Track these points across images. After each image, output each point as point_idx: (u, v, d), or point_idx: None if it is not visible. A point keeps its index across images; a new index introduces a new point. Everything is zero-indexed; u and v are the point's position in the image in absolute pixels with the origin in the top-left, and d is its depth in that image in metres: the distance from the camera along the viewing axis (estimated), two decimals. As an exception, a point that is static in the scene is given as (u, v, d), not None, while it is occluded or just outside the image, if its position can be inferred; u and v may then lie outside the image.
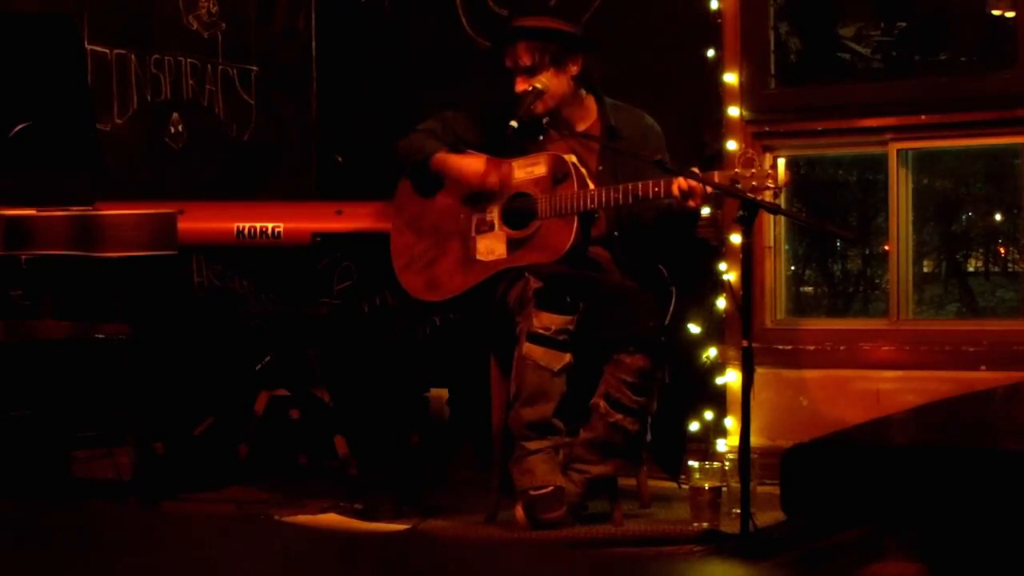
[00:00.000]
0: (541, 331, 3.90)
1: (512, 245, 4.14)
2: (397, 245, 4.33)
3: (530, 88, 4.09)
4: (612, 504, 4.03)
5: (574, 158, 4.11)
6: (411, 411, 4.98)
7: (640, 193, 3.91)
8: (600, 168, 4.14)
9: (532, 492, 3.92)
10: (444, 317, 5.11)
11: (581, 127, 4.20)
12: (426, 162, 4.23)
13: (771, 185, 3.73)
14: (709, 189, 3.84)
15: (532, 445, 3.95)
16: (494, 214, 4.17)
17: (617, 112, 4.22)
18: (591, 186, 4.05)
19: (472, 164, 4.19)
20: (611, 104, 4.23)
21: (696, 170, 3.88)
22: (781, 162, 3.76)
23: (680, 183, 3.82)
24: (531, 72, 4.11)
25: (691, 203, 3.85)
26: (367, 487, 4.46)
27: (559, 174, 4.07)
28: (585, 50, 4.18)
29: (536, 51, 4.11)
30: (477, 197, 4.22)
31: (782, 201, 4.90)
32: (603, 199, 3.98)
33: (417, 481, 4.44)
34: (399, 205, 4.37)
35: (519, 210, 4.13)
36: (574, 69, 4.16)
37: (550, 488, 3.92)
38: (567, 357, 3.93)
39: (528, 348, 3.92)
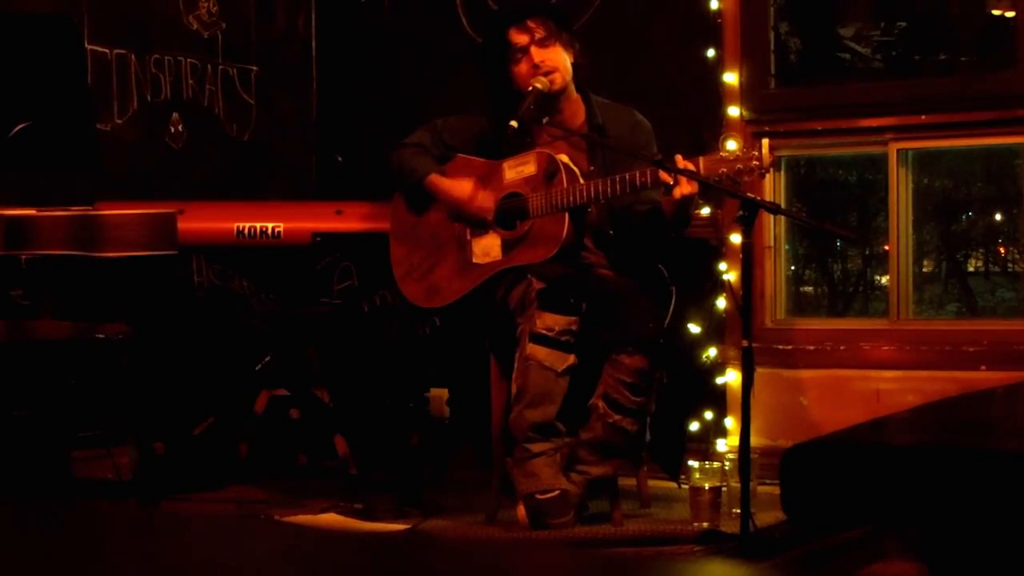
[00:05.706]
0: (544, 332, 3.89)
1: (507, 246, 4.13)
2: (396, 255, 4.34)
3: (531, 88, 4.09)
4: (612, 504, 4.03)
5: (565, 156, 4.11)
6: (411, 411, 4.98)
7: (628, 184, 3.90)
8: (591, 168, 4.13)
9: (539, 496, 3.91)
10: (444, 317, 5.11)
11: (571, 126, 4.19)
12: (418, 185, 4.24)
13: (756, 165, 3.72)
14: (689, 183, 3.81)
15: (535, 448, 3.94)
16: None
17: (605, 110, 4.21)
18: (581, 182, 4.05)
19: (461, 190, 4.18)
20: (599, 102, 4.22)
21: (682, 163, 3.82)
22: (765, 142, 3.74)
23: (664, 176, 3.80)
24: (545, 43, 4.11)
25: (676, 193, 3.82)
26: (367, 487, 4.46)
27: (549, 171, 4.06)
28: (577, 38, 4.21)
29: (549, 25, 4.13)
30: None
31: (781, 200, 4.91)
32: (593, 192, 3.97)
33: (417, 481, 4.44)
34: (395, 215, 4.37)
35: (512, 210, 4.13)
36: (572, 56, 4.16)
37: (556, 492, 3.91)
38: (571, 358, 3.92)
39: (532, 349, 3.91)
